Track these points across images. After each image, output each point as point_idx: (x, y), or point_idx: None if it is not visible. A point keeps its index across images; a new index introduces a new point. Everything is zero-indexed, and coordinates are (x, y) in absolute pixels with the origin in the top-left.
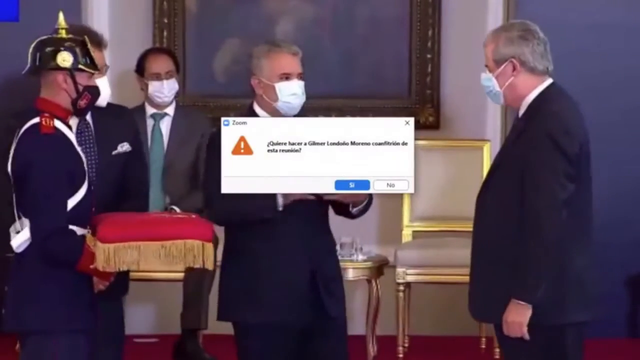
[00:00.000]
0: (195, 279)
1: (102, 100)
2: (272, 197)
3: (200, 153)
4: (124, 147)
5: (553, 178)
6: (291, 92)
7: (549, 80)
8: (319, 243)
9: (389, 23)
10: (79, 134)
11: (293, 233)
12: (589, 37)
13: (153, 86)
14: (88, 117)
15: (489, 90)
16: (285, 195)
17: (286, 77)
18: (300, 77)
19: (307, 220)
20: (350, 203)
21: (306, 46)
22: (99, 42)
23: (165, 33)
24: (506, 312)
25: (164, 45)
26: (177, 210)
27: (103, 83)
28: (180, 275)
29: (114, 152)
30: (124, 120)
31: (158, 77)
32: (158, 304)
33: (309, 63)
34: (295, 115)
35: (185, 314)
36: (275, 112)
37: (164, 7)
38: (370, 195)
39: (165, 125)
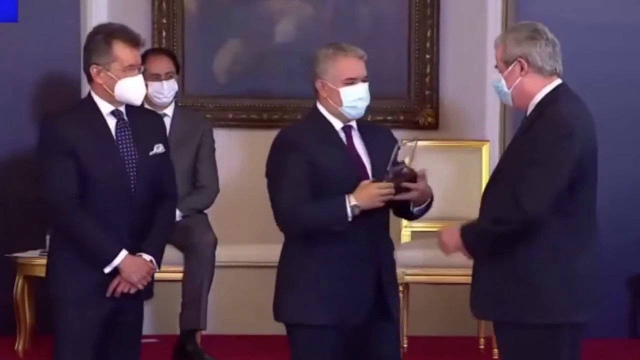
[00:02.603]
0: (194, 280)
1: (137, 99)
2: (343, 209)
3: (200, 154)
4: (159, 148)
5: (541, 174)
6: (356, 96)
7: (558, 81)
8: (382, 246)
9: (388, 23)
10: (118, 133)
11: (361, 237)
12: (589, 37)
13: (153, 87)
14: (125, 117)
15: (498, 90)
16: (354, 208)
17: (351, 81)
18: (365, 79)
19: (373, 224)
20: (412, 202)
21: (306, 46)
22: (134, 41)
23: (164, 34)
24: (447, 231)
25: (163, 46)
26: (177, 211)
27: (138, 81)
28: (180, 275)
29: (150, 153)
30: (157, 122)
31: (158, 77)
32: (157, 305)
33: (309, 63)
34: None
35: (184, 314)
36: (340, 115)
37: (163, 8)
38: (432, 195)
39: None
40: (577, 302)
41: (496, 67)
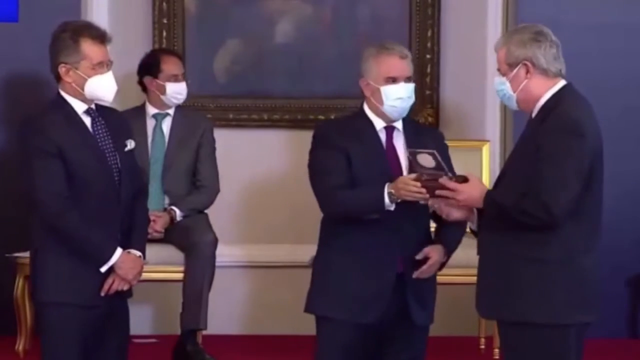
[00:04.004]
0: (195, 280)
1: (108, 96)
2: (381, 193)
3: (200, 154)
4: (131, 144)
5: (563, 177)
6: (397, 96)
7: (562, 82)
8: (415, 247)
9: (389, 23)
10: (96, 132)
11: (387, 234)
12: (589, 37)
13: (172, 87)
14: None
15: (502, 94)
16: (390, 194)
17: (393, 80)
18: (409, 79)
19: (408, 222)
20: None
21: (306, 46)
22: (101, 37)
23: (164, 34)
24: (473, 189)
25: (163, 46)
26: (177, 210)
27: (109, 78)
28: (180, 275)
29: (126, 149)
30: (122, 119)
31: (176, 78)
32: (158, 305)
33: (309, 63)
34: (405, 116)
35: (184, 314)
36: (382, 115)
37: (164, 8)
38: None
39: (166, 125)
40: (585, 302)
41: (498, 70)
